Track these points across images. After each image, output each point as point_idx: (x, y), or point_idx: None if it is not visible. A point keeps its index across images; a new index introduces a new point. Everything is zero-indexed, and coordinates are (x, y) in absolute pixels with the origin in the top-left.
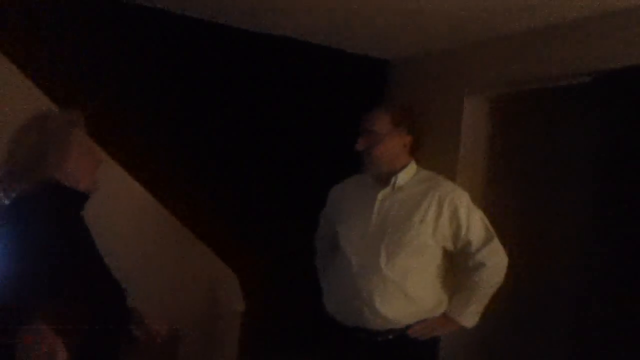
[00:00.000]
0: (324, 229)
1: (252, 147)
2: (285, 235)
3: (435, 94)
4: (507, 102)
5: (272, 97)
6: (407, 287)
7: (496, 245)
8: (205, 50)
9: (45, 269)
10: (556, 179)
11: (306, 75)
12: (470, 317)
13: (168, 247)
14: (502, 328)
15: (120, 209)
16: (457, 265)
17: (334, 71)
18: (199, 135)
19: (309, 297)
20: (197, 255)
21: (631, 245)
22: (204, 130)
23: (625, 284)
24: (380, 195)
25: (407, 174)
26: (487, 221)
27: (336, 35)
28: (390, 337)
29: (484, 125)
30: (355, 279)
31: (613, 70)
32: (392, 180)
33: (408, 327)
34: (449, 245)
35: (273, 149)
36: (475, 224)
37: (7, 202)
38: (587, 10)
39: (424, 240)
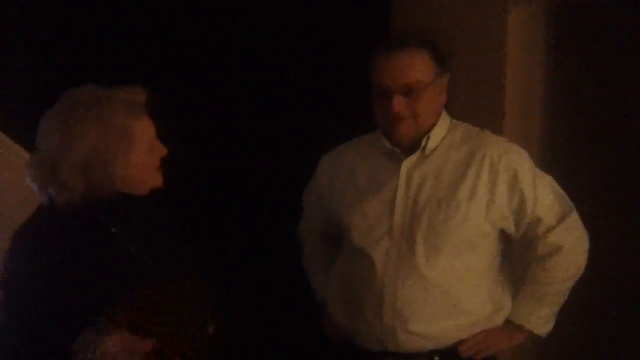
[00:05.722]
0: (312, 214)
1: (244, 94)
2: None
3: (469, 9)
4: (567, 14)
5: (265, 35)
6: (456, 293)
7: (575, 220)
8: None
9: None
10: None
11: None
12: (543, 322)
13: None
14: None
15: None
16: (521, 254)
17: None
18: None
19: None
20: None
21: None
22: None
23: None
24: (405, 166)
25: (441, 131)
26: (559, 188)
27: None
28: (436, 359)
29: (538, 47)
30: (381, 286)
31: None
32: (423, 142)
33: (457, 344)
34: (510, 228)
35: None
36: (545, 193)
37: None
38: None
39: (475, 224)
